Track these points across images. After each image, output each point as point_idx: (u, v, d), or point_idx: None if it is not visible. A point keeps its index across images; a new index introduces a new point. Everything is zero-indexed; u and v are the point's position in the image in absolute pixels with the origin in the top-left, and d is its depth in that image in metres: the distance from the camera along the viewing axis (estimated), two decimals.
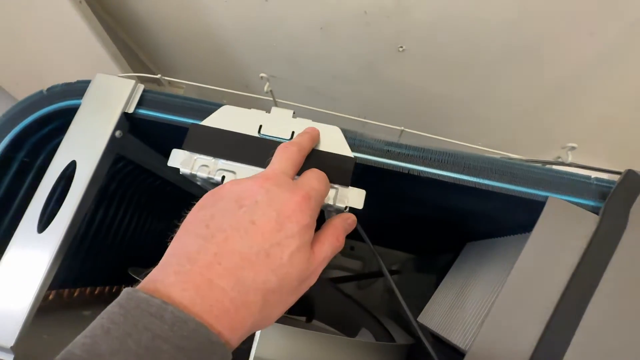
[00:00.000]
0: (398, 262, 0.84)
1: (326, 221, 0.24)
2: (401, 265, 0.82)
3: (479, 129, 0.58)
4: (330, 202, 0.26)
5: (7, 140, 0.29)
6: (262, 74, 0.31)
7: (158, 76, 0.30)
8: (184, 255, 0.18)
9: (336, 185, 0.26)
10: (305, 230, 0.20)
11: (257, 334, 0.29)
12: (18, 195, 0.31)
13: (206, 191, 0.22)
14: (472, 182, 0.26)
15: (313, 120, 0.28)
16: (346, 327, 0.48)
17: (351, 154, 0.26)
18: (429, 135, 0.32)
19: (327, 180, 0.24)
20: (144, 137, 0.34)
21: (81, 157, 0.27)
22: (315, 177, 0.23)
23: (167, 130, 0.32)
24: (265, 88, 0.32)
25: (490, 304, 0.28)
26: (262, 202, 0.20)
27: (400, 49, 0.50)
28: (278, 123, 0.28)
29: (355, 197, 0.26)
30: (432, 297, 0.44)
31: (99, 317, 0.16)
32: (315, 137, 0.26)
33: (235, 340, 0.18)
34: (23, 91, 0.59)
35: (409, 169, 0.27)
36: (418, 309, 0.59)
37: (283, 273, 0.19)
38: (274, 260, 0.19)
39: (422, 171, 0.26)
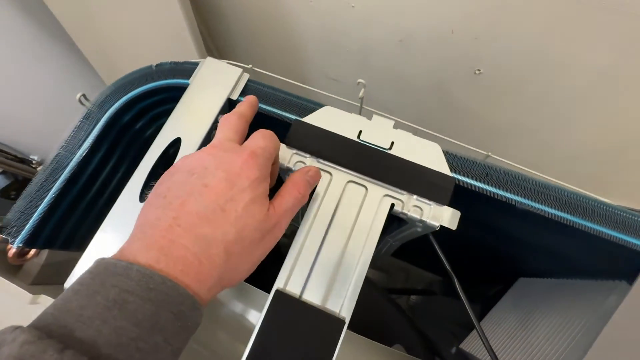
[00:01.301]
0: (423, 282, 0.82)
1: (287, 177, 0.25)
2: (427, 285, 0.81)
3: (549, 159, 0.56)
4: (424, 218, 0.26)
5: (118, 103, 0.30)
6: (359, 80, 0.32)
7: (249, 66, 0.31)
8: (146, 224, 0.20)
9: (431, 202, 0.26)
10: (257, 183, 0.22)
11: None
12: (114, 155, 0.32)
13: None
14: (571, 221, 0.26)
15: (413, 134, 0.28)
16: (381, 338, 0.48)
17: (450, 174, 0.26)
18: (515, 165, 0.32)
19: (275, 137, 0.25)
20: None
21: (186, 134, 0.28)
22: (260, 136, 0.24)
23: (260, 121, 0.32)
24: (360, 94, 0.32)
25: (567, 348, 0.27)
26: (211, 167, 0.21)
27: (477, 72, 0.50)
28: (378, 131, 0.28)
29: (450, 217, 0.26)
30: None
31: (71, 284, 0.17)
32: (254, 103, 0.27)
33: (204, 291, 0.19)
34: (100, 59, 0.62)
35: (507, 198, 0.26)
36: (451, 332, 0.58)
37: (241, 225, 0.21)
38: (230, 214, 0.20)
39: (520, 202, 0.26)
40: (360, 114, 0.34)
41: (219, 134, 0.24)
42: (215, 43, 0.72)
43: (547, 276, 0.39)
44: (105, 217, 0.26)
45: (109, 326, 0.16)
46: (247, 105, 0.26)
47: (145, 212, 0.21)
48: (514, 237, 0.35)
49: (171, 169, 0.22)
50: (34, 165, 0.78)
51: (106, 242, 0.25)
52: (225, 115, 0.25)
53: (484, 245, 0.43)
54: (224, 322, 0.35)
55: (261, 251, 0.22)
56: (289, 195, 0.24)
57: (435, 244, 0.30)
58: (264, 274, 0.28)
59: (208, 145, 0.23)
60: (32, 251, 0.28)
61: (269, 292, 0.24)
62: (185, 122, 0.29)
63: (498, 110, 0.53)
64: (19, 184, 0.79)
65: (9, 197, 0.79)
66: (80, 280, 0.17)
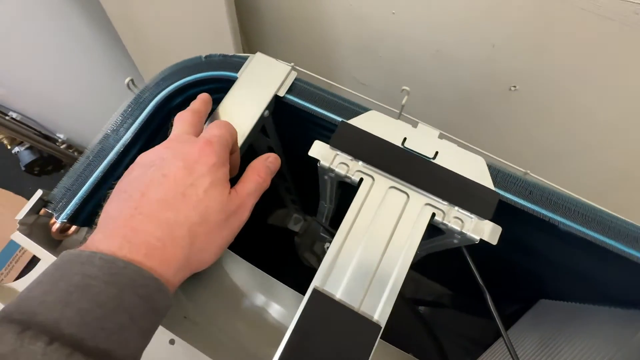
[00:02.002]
0: (432, 294, 0.82)
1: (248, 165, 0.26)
2: (437, 297, 0.81)
3: (586, 182, 0.56)
4: (465, 231, 0.26)
5: (167, 90, 0.31)
6: (404, 87, 0.32)
7: (291, 64, 0.31)
8: (108, 218, 0.20)
9: (473, 215, 0.26)
10: (215, 168, 0.22)
11: None
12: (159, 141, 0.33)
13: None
14: (615, 247, 0.25)
15: (458, 146, 0.28)
16: (396, 344, 0.48)
17: (493, 188, 0.26)
18: (554, 185, 0.31)
19: (230, 125, 0.25)
20: (276, 120, 0.35)
21: (234, 126, 0.29)
22: (215, 125, 0.25)
23: (305, 119, 0.33)
24: (403, 101, 0.32)
25: None
26: (169, 157, 0.22)
27: (513, 89, 0.50)
28: (423, 140, 0.28)
29: (491, 231, 0.26)
30: (494, 345, 0.43)
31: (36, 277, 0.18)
32: (207, 100, 0.28)
33: (170, 274, 0.20)
34: (137, 47, 0.63)
35: (550, 218, 0.26)
36: (461, 348, 0.57)
37: (203, 207, 0.21)
38: (191, 198, 0.21)
39: (563, 223, 0.26)
40: (399, 119, 0.34)
41: (174, 130, 0.25)
42: (247, 40, 0.72)
43: (572, 300, 0.39)
44: None
45: (71, 308, 0.16)
46: (201, 102, 0.27)
47: (106, 209, 0.21)
48: (545, 257, 0.35)
49: (130, 167, 0.23)
50: (59, 143, 0.80)
51: None
52: (180, 112, 0.26)
53: (509, 263, 0.43)
54: (244, 313, 0.36)
55: (227, 232, 0.23)
56: (250, 179, 0.25)
57: (468, 257, 0.30)
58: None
59: (164, 141, 0.24)
60: (73, 228, 0.29)
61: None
62: (233, 114, 0.29)
63: (532, 128, 0.52)
64: (43, 161, 0.80)
65: (32, 172, 0.81)
66: (45, 272, 0.18)
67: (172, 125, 0.26)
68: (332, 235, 0.53)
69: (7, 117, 0.70)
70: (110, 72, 0.72)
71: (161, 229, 0.20)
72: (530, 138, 0.54)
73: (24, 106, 0.72)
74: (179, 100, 0.32)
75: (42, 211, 0.28)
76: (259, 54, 0.32)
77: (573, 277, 0.35)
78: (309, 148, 0.39)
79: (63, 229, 0.28)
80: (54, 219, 0.28)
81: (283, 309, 0.34)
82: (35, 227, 0.28)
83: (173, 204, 0.21)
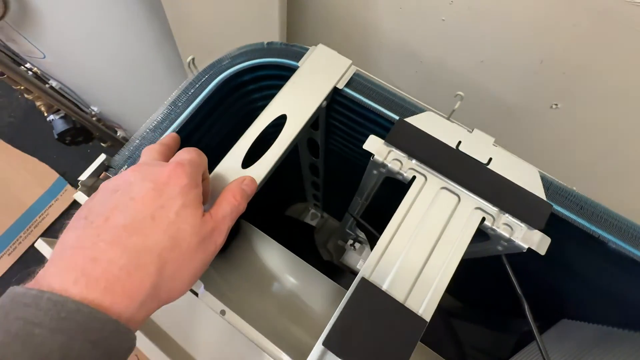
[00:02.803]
0: (444, 304, 0.82)
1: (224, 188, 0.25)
2: (447, 308, 0.80)
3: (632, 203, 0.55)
4: (513, 238, 0.26)
5: (229, 72, 0.32)
6: (458, 92, 0.32)
7: (349, 62, 0.32)
8: (64, 248, 0.18)
9: (523, 224, 0.26)
10: (187, 189, 0.21)
11: None
12: (216, 121, 0.34)
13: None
14: None
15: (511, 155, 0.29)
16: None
17: (545, 199, 0.27)
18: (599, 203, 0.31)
19: (200, 152, 0.24)
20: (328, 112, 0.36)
21: (292, 113, 0.29)
22: (184, 150, 0.23)
23: (360, 115, 0.33)
24: (456, 106, 0.33)
25: None
26: (137, 181, 0.20)
27: (554, 106, 0.50)
28: (477, 145, 0.29)
29: (539, 241, 0.26)
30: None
31: None
32: (176, 139, 0.27)
33: (134, 307, 0.17)
34: (182, 30, 0.64)
35: (599, 235, 0.26)
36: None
37: (174, 230, 0.19)
38: (161, 221, 0.19)
39: (613, 242, 0.26)
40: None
41: (141, 158, 0.24)
42: (289, 32, 0.73)
43: (598, 322, 0.39)
44: None
45: None
46: (170, 138, 0.27)
47: (62, 239, 0.19)
48: (578, 274, 0.35)
49: (94, 193, 0.21)
50: (91, 116, 0.82)
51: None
52: (148, 145, 0.25)
53: (536, 277, 0.43)
54: (274, 294, 0.36)
55: (201, 257, 0.21)
56: (225, 202, 0.23)
57: (508, 267, 0.30)
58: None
59: (132, 166, 0.22)
60: None
61: None
62: (292, 102, 0.30)
63: (573, 147, 0.52)
64: (75, 131, 0.82)
65: (64, 141, 0.83)
66: None
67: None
68: (365, 231, 0.53)
69: (47, 85, 0.72)
70: (151, 53, 0.73)
71: (126, 255, 0.18)
72: (570, 157, 0.54)
73: (64, 76, 0.74)
74: (239, 81, 0.33)
75: (103, 175, 0.29)
76: (321, 46, 0.32)
77: (604, 298, 0.35)
78: (354, 144, 0.39)
79: None
80: None
81: (312, 291, 0.35)
82: (93, 189, 0.29)
83: (141, 228, 0.19)
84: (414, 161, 0.28)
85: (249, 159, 0.28)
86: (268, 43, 0.33)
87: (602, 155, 0.50)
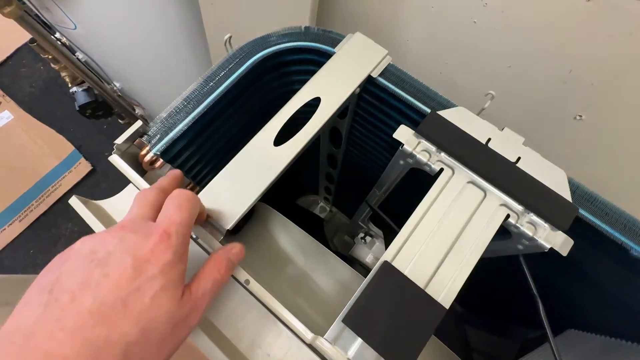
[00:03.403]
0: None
1: (210, 255, 0.23)
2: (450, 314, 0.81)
3: None
4: (536, 237, 0.26)
5: (266, 51, 0.32)
6: (490, 92, 0.33)
7: (385, 52, 0.32)
8: (17, 331, 0.16)
9: (547, 224, 0.27)
10: (169, 267, 0.19)
11: None
12: (250, 99, 0.34)
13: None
14: None
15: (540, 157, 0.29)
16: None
17: (571, 201, 0.27)
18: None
19: (194, 201, 0.22)
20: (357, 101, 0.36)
21: (326, 96, 0.30)
22: (174, 205, 0.21)
23: (392, 108, 0.34)
24: (486, 105, 0.33)
25: None
26: (116, 251, 0.18)
27: (578, 118, 0.50)
28: (507, 143, 0.29)
29: (562, 242, 0.26)
30: None
31: None
32: (178, 177, 0.25)
33: None
34: (212, 12, 0.65)
35: (622, 242, 0.26)
36: None
37: (146, 320, 0.17)
38: (134, 307, 0.17)
39: (636, 250, 0.26)
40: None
41: (133, 209, 0.22)
42: (318, 23, 0.74)
43: (607, 334, 0.39)
44: (233, 155, 0.28)
45: None
46: (171, 180, 0.25)
47: (19, 313, 0.17)
48: (594, 282, 0.35)
49: (65, 251, 0.19)
50: (113, 91, 0.83)
51: (232, 175, 0.27)
52: (144, 190, 0.23)
53: (546, 284, 0.43)
54: (289, 275, 0.37)
55: (171, 345, 0.19)
56: (208, 276, 0.21)
57: (525, 267, 0.30)
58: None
59: (117, 225, 0.20)
60: (160, 162, 0.30)
61: None
62: (327, 86, 0.30)
63: (591, 160, 0.52)
64: (97, 105, 0.84)
65: (84, 114, 0.84)
66: None
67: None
68: (380, 224, 0.53)
69: (74, 56, 0.73)
70: (178, 36, 0.74)
71: (86, 350, 0.16)
72: (590, 170, 0.53)
73: (92, 49, 0.75)
74: (276, 61, 0.33)
75: (137, 141, 0.30)
76: (358, 34, 0.33)
77: (618, 308, 0.35)
78: (377, 135, 0.40)
79: (152, 162, 0.30)
80: (144, 151, 0.30)
81: (326, 274, 0.35)
82: (126, 154, 0.29)
83: (109, 315, 0.17)
84: (442, 154, 0.29)
85: (283, 138, 0.29)
86: (305, 27, 0.34)
87: (623, 169, 0.50)
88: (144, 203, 0.22)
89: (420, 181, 0.35)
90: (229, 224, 0.26)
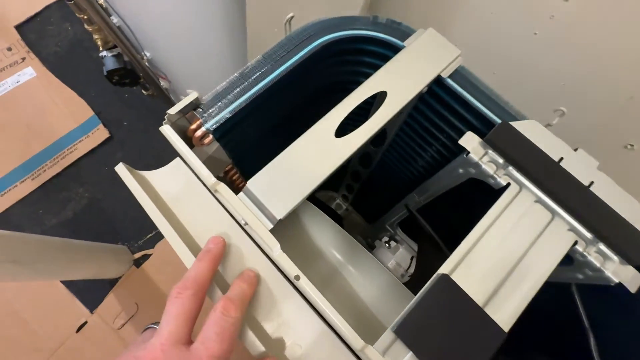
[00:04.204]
0: None
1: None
2: None
3: None
4: (604, 269, 0.25)
5: (331, 36, 0.30)
6: (560, 107, 0.31)
7: (458, 52, 0.30)
8: None
9: (616, 256, 0.25)
10: None
11: None
12: (308, 85, 0.33)
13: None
14: None
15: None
16: None
17: None
18: None
19: (235, 328, 0.21)
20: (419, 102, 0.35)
21: (393, 91, 0.28)
22: (215, 332, 0.20)
23: (444, 107, 0.32)
24: (554, 122, 0.31)
25: None
26: None
27: (629, 147, 0.48)
28: (581, 165, 0.27)
29: (633, 277, 0.24)
30: None
31: None
32: (217, 257, 0.23)
33: None
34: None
35: None
36: None
37: None
38: None
39: None
40: None
41: (169, 322, 0.21)
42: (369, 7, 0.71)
43: None
44: (285, 145, 0.26)
45: None
46: (208, 267, 0.22)
47: None
48: None
49: None
50: (143, 60, 0.81)
51: (289, 163, 0.26)
52: (178, 291, 0.21)
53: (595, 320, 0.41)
54: (322, 274, 0.35)
55: None
56: None
57: (577, 298, 0.29)
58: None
59: (150, 348, 0.20)
60: (209, 138, 0.29)
61: None
62: (394, 81, 0.29)
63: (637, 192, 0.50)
64: (124, 72, 0.82)
65: (111, 80, 0.83)
66: None
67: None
68: (411, 231, 0.51)
69: (109, 19, 0.72)
70: (217, 9, 0.72)
71: None
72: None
73: (127, 14, 0.74)
74: (340, 48, 0.32)
75: (189, 114, 0.28)
76: (431, 30, 0.31)
77: None
78: (425, 140, 0.38)
79: (202, 137, 0.28)
80: (194, 125, 0.28)
81: (364, 276, 0.34)
82: (176, 125, 0.28)
83: None
84: (510, 167, 0.27)
85: (344, 130, 0.27)
86: (374, 16, 0.32)
87: None
88: (180, 314, 0.21)
89: (466, 193, 0.33)
90: (282, 214, 0.24)
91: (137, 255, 0.93)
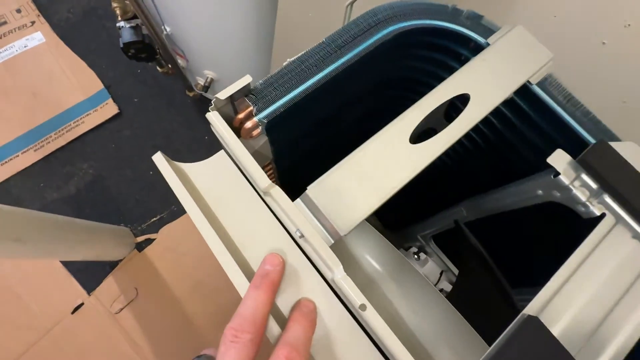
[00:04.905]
0: None
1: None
2: None
3: None
4: None
5: (403, 24, 0.26)
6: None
7: (550, 55, 0.27)
8: None
9: None
10: None
11: None
12: (376, 79, 0.29)
13: None
14: None
15: None
16: None
17: None
18: None
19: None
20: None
21: (477, 95, 0.24)
22: None
23: (522, 119, 0.28)
24: None
25: None
26: None
27: None
28: None
29: None
30: None
31: None
32: (275, 283, 0.19)
33: None
34: None
35: None
36: None
37: None
38: None
39: None
40: None
41: (227, 344, 0.18)
42: None
43: None
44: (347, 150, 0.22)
45: None
46: (268, 295, 0.19)
47: None
48: None
49: None
50: (162, 35, 0.77)
51: (355, 170, 0.22)
52: (234, 333, 0.18)
53: None
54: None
55: None
56: None
57: None
58: None
59: None
60: (257, 130, 0.25)
61: None
62: (478, 83, 0.25)
63: None
64: (142, 46, 0.77)
65: (127, 53, 0.78)
66: None
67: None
68: (447, 248, 0.47)
69: None
70: None
71: None
72: None
73: None
74: (410, 40, 0.28)
75: (240, 99, 0.24)
76: (520, 27, 0.27)
77: None
78: (501, 152, 0.34)
79: (251, 129, 0.24)
80: (242, 114, 0.24)
81: (417, 303, 0.30)
82: (222, 112, 0.24)
83: None
84: (605, 195, 0.24)
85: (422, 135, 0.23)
86: (453, 6, 0.28)
87: None
88: (239, 354, 0.18)
89: (533, 217, 0.30)
90: (346, 229, 0.21)
91: (140, 239, 0.90)
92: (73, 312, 0.83)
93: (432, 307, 0.29)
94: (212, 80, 0.91)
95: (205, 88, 0.91)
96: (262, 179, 0.21)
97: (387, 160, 0.22)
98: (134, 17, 0.74)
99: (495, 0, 0.51)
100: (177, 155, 0.97)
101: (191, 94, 0.99)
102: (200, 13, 0.70)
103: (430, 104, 0.24)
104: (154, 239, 0.90)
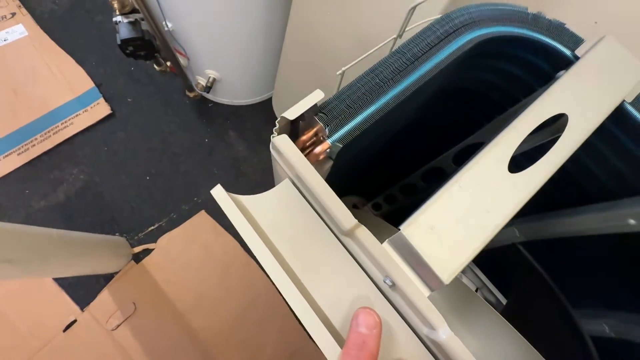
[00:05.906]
0: None
1: None
2: None
3: None
4: None
5: (483, 31, 0.23)
6: None
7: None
8: None
9: None
10: None
11: None
12: (456, 94, 0.25)
13: None
14: None
15: None
16: None
17: None
18: None
19: None
20: None
21: (576, 115, 0.21)
22: None
23: (609, 142, 0.26)
24: None
25: None
26: None
27: None
28: None
29: None
30: None
31: None
32: (375, 347, 0.16)
33: None
34: None
35: None
36: None
37: None
38: None
39: None
40: None
41: None
42: None
43: None
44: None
45: None
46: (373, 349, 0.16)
47: None
48: None
49: None
50: (165, 31, 0.71)
51: (450, 206, 0.19)
52: None
53: None
54: None
55: None
56: None
57: None
58: None
59: None
60: (324, 155, 0.21)
61: None
62: (575, 101, 0.22)
63: None
64: (141, 42, 0.71)
65: (125, 50, 0.72)
66: None
67: None
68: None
69: None
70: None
71: None
72: None
73: None
74: (487, 50, 0.25)
75: (308, 119, 0.20)
76: (610, 38, 0.24)
77: None
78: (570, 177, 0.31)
79: (319, 153, 0.21)
80: (305, 136, 0.21)
81: (483, 337, 0.27)
82: (284, 129, 0.20)
83: None
84: None
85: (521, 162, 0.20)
86: (534, 14, 0.25)
87: None
88: None
89: (606, 245, 0.27)
90: (447, 277, 0.17)
91: (137, 249, 0.84)
92: (65, 330, 0.76)
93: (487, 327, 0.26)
94: (214, 80, 0.86)
95: (207, 88, 0.86)
96: (347, 218, 0.18)
97: (487, 193, 0.19)
98: (133, 11, 0.68)
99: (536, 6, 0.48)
100: (175, 158, 0.92)
101: (191, 95, 0.94)
102: (206, 9, 0.65)
103: (524, 128, 0.21)
104: (152, 249, 0.84)
